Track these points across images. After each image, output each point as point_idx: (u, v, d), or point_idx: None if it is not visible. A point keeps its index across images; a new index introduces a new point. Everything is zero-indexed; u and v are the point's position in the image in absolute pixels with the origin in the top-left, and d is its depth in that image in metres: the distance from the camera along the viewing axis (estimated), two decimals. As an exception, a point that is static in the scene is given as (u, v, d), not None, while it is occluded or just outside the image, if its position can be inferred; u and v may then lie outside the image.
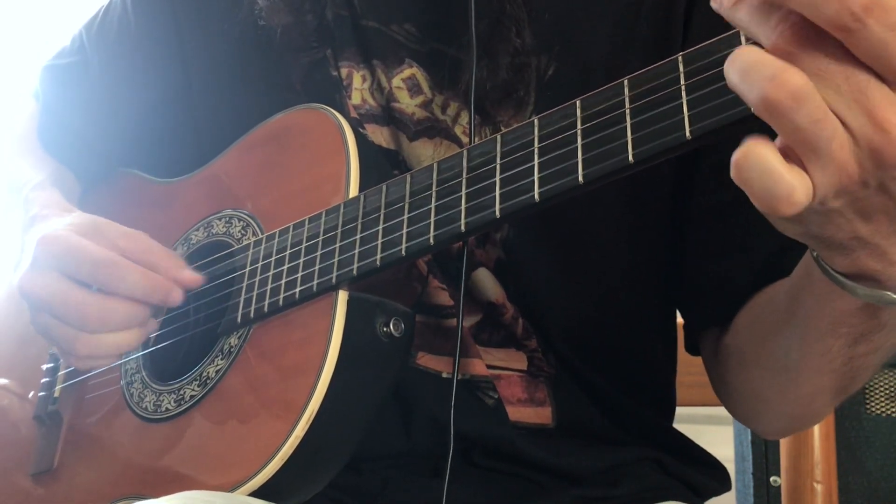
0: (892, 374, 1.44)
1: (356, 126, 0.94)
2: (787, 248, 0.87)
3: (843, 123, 0.53)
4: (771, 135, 0.55)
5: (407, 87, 0.96)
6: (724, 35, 0.63)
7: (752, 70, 0.53)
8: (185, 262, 0.98)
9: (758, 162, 0.53)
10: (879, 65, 0.51)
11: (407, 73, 0.97)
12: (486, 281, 0.96)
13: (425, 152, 0.95)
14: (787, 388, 0.87)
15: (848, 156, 0.53)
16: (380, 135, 0.97)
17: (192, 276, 0.96)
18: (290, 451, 0.81)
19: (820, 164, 0.53)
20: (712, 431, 1.35)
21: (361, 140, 0.91)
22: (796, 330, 0.80)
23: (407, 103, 0.96)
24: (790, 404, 0.90)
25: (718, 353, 0.95)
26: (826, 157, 0.53)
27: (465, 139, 0.94)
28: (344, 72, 0.99)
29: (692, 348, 1.00)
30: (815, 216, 0.58)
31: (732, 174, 0.54)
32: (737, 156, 0.54)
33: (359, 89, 0.98)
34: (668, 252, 0.97)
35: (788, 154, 0.54)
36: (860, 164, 0.54)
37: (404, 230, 0.81)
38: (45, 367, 1.08)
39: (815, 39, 0.52)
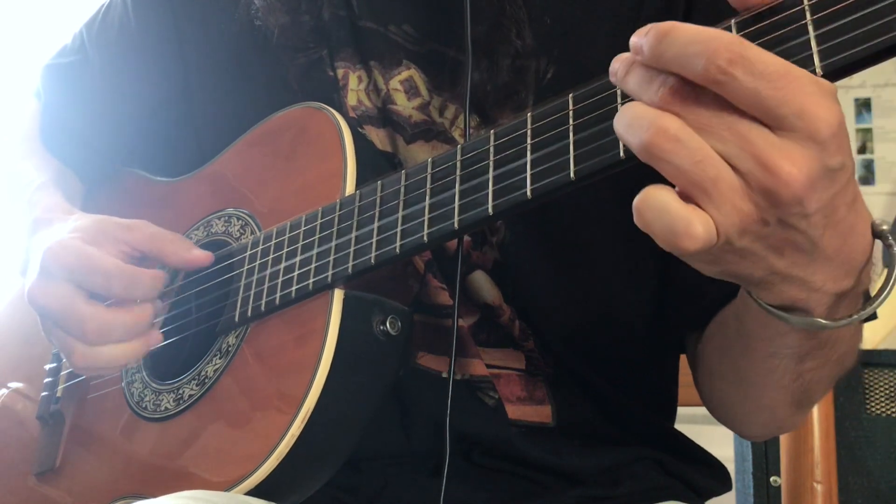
0: (892, 374, 1.44)
1: (354, 126, 0.94)
2: None
3: (735, 168, 0.55)
4: None
5: (404, 89, 0.96)
6: (718, 25, 0.63)
7: (632, 121, 0.57)
8: (191, 242, 1.00)
9: (654, 201, 0.56)
10: (756, 111, 0.54)
11: (404, 74, 0.97)
12: (483, 283, 0.96)
13: (422, 155, 0.95)
14: (746, 400, 0.90)
15: (741, 197, 0.56)
16: (376, 137, 0.97)
17: (203, 255, 0.97)
18: (287, 450, 0.81)
19: (713, 204, 0.56)
20: (712, 431, 1.33)
21: (359, 138, 0.92)
22: (744, 350, 0.82)
23: (404, 105, 0.96)
24: (754, 413, 0.92)
25: (695, 358, 0.98)
26: (717, 197, 0.56)
27: (462, 141, 0.94)
28: (340, 72, 0.99)
29: (681, 347, 1.02)
30: (729, 255, 0.60)
31: (636, 220, 0.57)
32: (636, 202, 0.57)
33: (354, 90, 0.98)
34: (665, 252, 0.97)
35: (686, 199, 0.57)
36: (756, 204, 0.56)
37: (399, 228, 0.81)
38: (47, 366, 1.09)
39: (693, 97, 0.56)
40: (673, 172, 0.56)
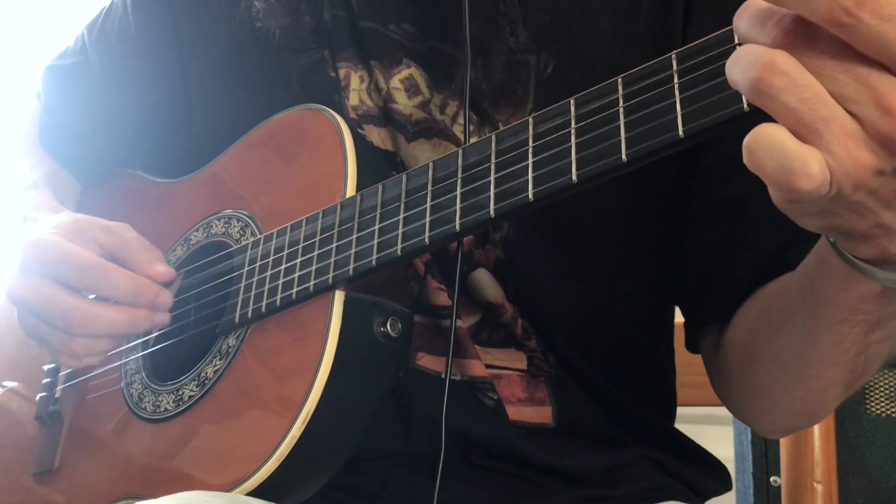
0: (892, 374, 1.44)
1: (354, 127, 0.94)
2: (790, 244, 0.87)
3: (851, 114, 0.52)
4: None
5: (405, 87, 0.96)
6: (718, 32, 0.62)
7: (740, 58, 0.53)
8: (161, 256, 1.00)
9: (767, 139, 0.52)
10: (880, 56, 0.51)
11: (405, 73, 0.96)
12: (485, 281, 0.95)
13: (423, 153, 0.95)
14: (796, 382, 0.86)
15: (857, 143, 0.53)
16: (377, 136, 0.97)
17: (164, 271, 0.97)
18: (287, 451, 0.81)
19: (826, 148, 0.53)
20: (712, 431, 1.34)
21: (359, 140, 0.92)
22: (809, 320, 0.79)
23: (405, 104, 0.96)
24: (797, 399, 0.88)
25: (720, 349, 0.94)
26: (830, 140, 0.52)
27: (463, 139, 0.94)
28: (342, 73, 0.99)
29: (692, 346, 1.00)
30: (837, 208, 0.57)
31: (745, 160, 0.53)
32: (747, 140, 0.53)
33: (356, 90, 0.98)
34: (669, 249, 0.97)
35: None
36: (873, 152, 0.53)
37: (400, 230, 0.81)
38: (46, 367, 1.08)
39: (809, 37, 0.52)
40: (782, 111, 0.53)
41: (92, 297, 0.95)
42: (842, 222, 0.59)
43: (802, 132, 0.53)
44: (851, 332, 0.76)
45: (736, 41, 0.61)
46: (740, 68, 0.53)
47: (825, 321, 0.76)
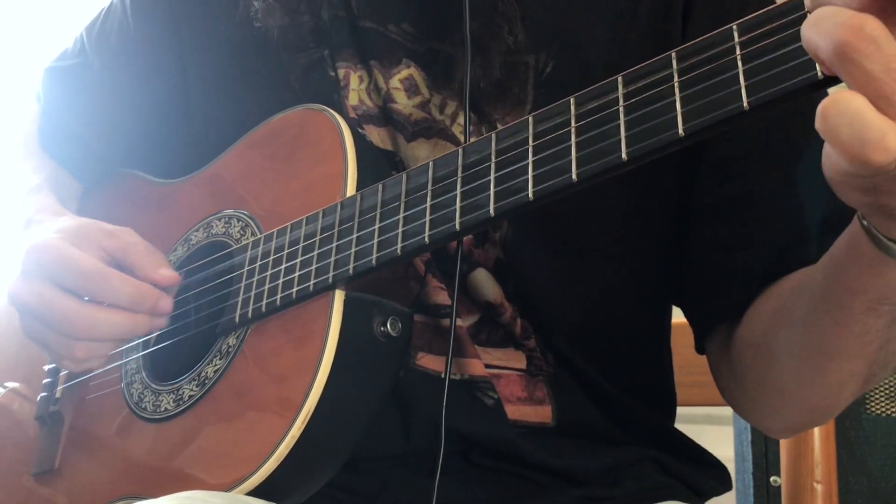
0: (892, 373, 1.43)
1: (354, 126, 0.94)
2: (801, 240, 0.87)
3: None
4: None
5: (404, 87, 0.96)
6: (718, 31, 0.63)
7: (825, 18, 0.51)
8: (166, 260, 0.99)
9: (846, 106, 0.51)
10: None
11: (404, 73, 0.97)
12: (485, 281, 0.96)
13: (422, 153, 0.96)
14: (815, 377, 0.85)
15: None
16: (377, 135, 0.97)
17: (169, 275, 0.97)
18: (287, 451, 0.81)
19: None
20: (712, 431, 1.34)
21: (359, 140, 0.92)
22: (833, 311, 0.78)
23: (404, 104, 0.96)
24: (816, 395, 0.87)
25: (731, 348, 0.94)
26: None
27: (462, 139, 0.94)
28: (341, 72, 0.99)
29: (700, 347, 0.99)
30: (891, 184, 0.56)
31: (818, 125, 0.52)
32: (824, 104, 0.52)
33: (356, 90, 0.98)
34: (670, 249, 0.97)
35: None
36: None
37: (400, 229, 0.81)
38: (46, 367, 1.09)
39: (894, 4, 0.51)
40: (863, 79, 0.50)
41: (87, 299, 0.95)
42: (888, 201, 0.58)
43: (881, 104, 0.51)
44: (877, 323, 0.75)
45: (737, 39, 0.61)
46: (822, 30, 0.51)
47: (850, 311, 0.76)
